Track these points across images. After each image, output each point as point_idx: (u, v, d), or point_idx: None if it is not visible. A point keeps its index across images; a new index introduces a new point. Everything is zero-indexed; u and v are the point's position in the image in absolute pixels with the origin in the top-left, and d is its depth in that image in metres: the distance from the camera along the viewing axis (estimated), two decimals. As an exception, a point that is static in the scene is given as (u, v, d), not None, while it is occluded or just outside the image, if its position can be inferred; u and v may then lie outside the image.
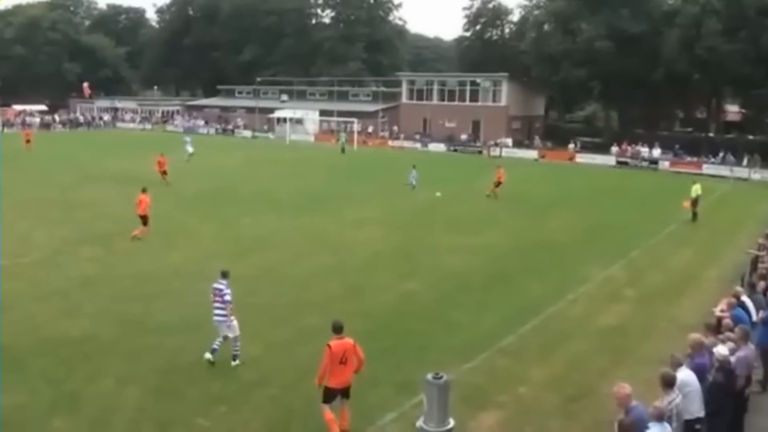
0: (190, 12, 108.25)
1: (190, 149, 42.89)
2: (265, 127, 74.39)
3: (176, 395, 11.05)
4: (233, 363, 12.15)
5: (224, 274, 12.27)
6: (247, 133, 73.64)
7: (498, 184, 32.44)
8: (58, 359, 12.30)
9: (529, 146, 60.19)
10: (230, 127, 77.31)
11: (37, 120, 79.20)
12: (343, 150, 51.50)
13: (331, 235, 23.29)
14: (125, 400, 10.84)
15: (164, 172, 33.53)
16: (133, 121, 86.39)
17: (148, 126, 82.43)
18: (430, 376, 6.14)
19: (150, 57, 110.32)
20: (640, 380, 10.05)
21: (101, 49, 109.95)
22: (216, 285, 12.15)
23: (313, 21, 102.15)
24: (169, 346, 12.86)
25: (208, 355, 12.09)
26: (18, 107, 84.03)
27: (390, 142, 64.72)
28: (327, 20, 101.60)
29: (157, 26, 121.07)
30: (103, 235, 22.28)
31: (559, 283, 18.01)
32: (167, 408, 10.64)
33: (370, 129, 69.08)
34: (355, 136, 62.74)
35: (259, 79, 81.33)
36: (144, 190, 22.50)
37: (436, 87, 68.08)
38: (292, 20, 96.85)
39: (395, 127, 68.26)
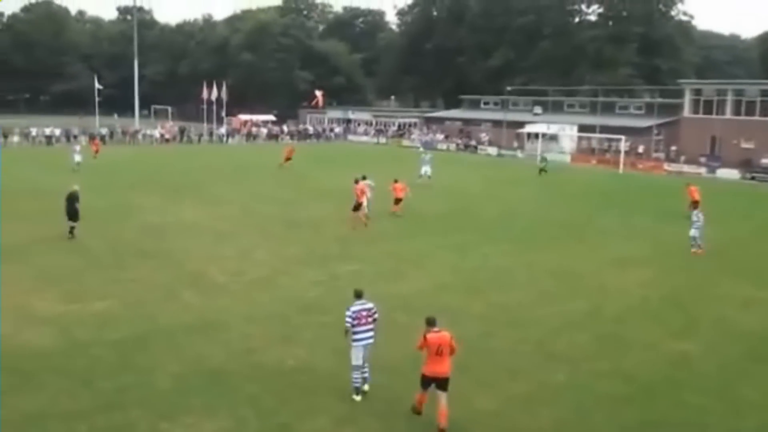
0: (434, 13, 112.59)
1: (424, 169, 44.14)
2: (515, 143, 74.78)
3: (396, 445, 11.29)
4: (356, 397, 12.73)
5: (360, 294, 13.03)
6: (492, 150, 74.49)
7: (695, 203, 31.67)
8: (270, 388, 13.17)
9: None
10: (473, 142, 78.71)
11: (264, 131, 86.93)
12: (543, 170, 51.41)
13: (585, 275, 22.60)
14: (339, 444, 11.29)
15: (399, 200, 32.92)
16: (366, 133, 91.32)
17: (383, 140, 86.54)
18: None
19: (387, 63, 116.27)
20: None
21: (335, 55, 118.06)
22: (361, 306, 12.82)
23: (576, 19, 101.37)
24: (393, 387, 13.19)
25: (360, 398, 12.73)
26: (243, 117, 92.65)
27: (666, 166, 61.69)
28: (593, 17, 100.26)
29: (396, 30, 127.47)
30: (327, 256, 23.70)
31: None
32: (384, 459, 10.91)
33: (640, 149, 66.48)
34: (622, 156, 60.74)
35: (509, 87, 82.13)
36: (356, 181, 29.62)
37: (729, 97, 63.71)
38: (551, 19, 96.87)
39: (673, 147, 64.99)
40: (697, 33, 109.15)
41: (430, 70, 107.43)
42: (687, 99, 66.67)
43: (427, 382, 11.74)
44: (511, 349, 15.54)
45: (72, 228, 25.23)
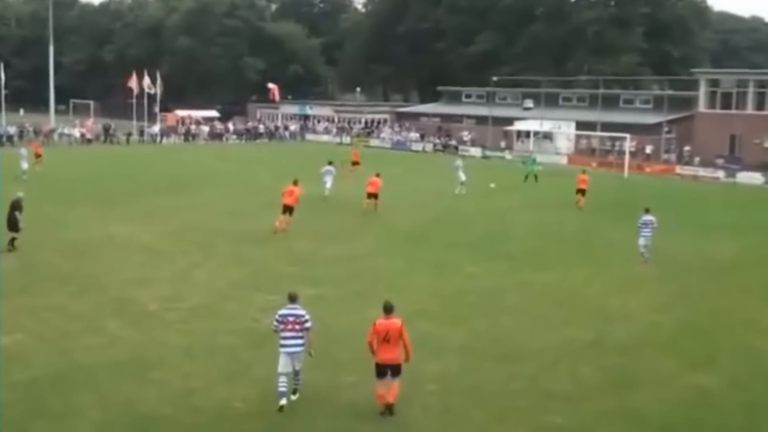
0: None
1: (462, 177, 44.66)
2: (502, 143, 75.14)
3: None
4: (294, 397, 14.04)
5: (294, 298, 14.25)
6: (476, 151, 74.67)
7: (580, 191, 39.22)
8: (219, 438, 13.00)
9: None
10: (453, 142, 78.84)
11: (205, 129, 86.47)
12: (535, 178, 51.11)
13: (588, 297, 22.73)
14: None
15: (375, 195, 36.20)
16: (327, 132, 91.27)
17: (347, 139, 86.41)
18: None
19: (352, 49, 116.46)
20: None
21: (291, 39, 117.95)
22: (290, 311, 14.02)
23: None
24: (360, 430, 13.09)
25: (285, 402, 13.72)
26: (181, 113, 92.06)
27: (678, 169, 62.45)
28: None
29: (362, 9, 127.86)
30: (282, 278, 23.47)
31: None
32: None
33: (648, 149, 67.12)
34: (627, 158, 61.29)
35: (495, 78, 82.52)
36: (296, 183, 30.92)
37: (751, 89, 64.74)
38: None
39: (686, 148, 65.73)
40: (713, 15, 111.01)
41: (402, 58, 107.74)
42: (702, 91, 67.54)
43: (381, 370, 13.50)
44: (500, 387, 15.48)
45: (12, 239, 25.97)
